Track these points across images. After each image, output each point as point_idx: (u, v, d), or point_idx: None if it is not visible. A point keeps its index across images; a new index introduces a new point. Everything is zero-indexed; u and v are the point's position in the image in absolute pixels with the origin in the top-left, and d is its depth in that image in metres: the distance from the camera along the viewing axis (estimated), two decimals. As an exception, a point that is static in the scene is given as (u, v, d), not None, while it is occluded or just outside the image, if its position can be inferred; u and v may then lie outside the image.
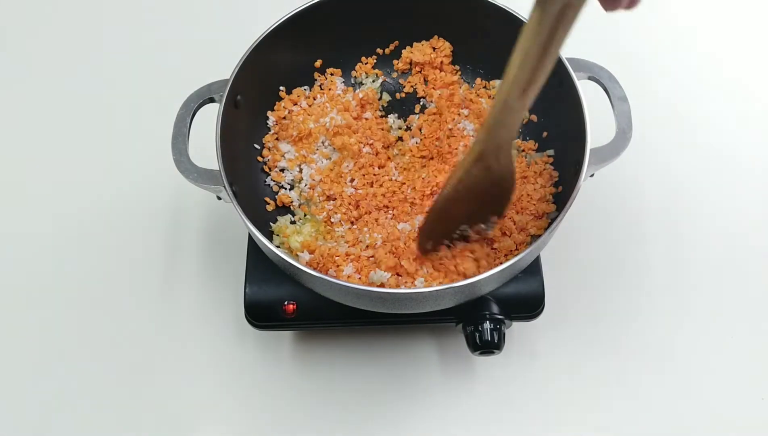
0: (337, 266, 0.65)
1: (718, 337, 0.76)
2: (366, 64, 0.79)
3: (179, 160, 0.63)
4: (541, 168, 0.71)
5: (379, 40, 0.79)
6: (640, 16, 0.98)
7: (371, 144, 0.73)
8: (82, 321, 0.77)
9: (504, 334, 0.66)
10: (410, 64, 0.79)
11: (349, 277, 0.64)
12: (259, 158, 0.74)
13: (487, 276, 0.57)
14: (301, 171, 0.74)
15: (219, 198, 0.65)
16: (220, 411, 0.73)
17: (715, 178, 0.85)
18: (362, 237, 0.68)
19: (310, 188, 0.72)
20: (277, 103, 0.76)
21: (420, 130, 0.75)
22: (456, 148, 0.71)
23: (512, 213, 0.67)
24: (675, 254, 0.80)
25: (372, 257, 0.66)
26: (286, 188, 0.73)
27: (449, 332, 0.76)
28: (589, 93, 0.64)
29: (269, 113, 0.75)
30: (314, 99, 0.77)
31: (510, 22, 0.68)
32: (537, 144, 0.74)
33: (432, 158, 0.73)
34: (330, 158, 0.74)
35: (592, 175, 0.64)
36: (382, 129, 0.75)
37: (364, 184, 0.71)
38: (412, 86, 0.79)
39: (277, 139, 0.75)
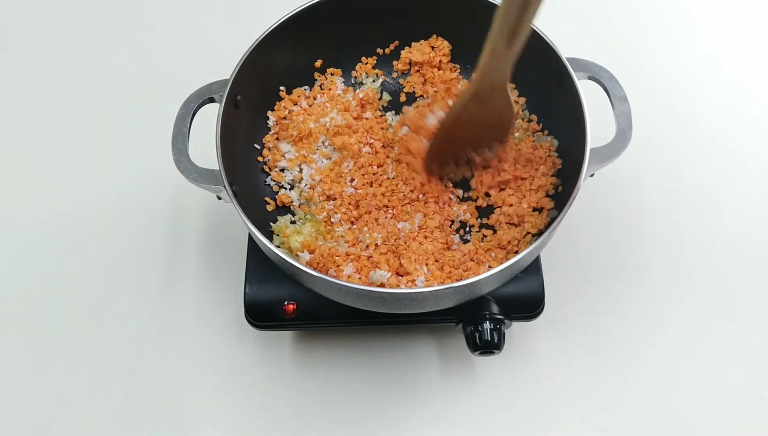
0: (337, 265, 0.65)
1: (718, 337, 0.76)
2: (366, 64, 0.79)
3: (179, 160, 0.63)
4: (546, 153, 0.71)
5: (379, 40, 0.79)
6: (641, 16, 0.99)
7: (371, 144, 0.73)
8: (82, 321, 0.77)
9: (504, 334, 0.66)
10: (409, 64, 0.79)
11: (349, 277, 0.64)
12: (259, 158, 0.74)
13: (487, 276, 0.57)
14: (301, 171, 0.74)
15: (219, 198, 0.65)
16: (220, 411, 0.73)
17: (715, 178, 0.85)
18: (362, 237, 0.68)
19: (310, 188, 0.72)
20: (277, 103, 0.76)
21: None
22: None
23: (513, 190, 0.70)
24: (675, 254, 0.80)
25: (371, 257, 0.66)
26: (286, 188, 0.73)
27: (449, 332, 0.76)
28: (589, 93, 0.64)
29: (269, 113, 0.75)
30: (314, 99, 0.77)
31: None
32: (546, 131, 0.74)
33: None
34: (330, 158, 0.74)
35: (592, 175, 0.64)
36: (382, 128, 0.75)
37: (363, 184, 0.71)
38: (412, 87, 0.79)
39: (277, 139, 0.75)
